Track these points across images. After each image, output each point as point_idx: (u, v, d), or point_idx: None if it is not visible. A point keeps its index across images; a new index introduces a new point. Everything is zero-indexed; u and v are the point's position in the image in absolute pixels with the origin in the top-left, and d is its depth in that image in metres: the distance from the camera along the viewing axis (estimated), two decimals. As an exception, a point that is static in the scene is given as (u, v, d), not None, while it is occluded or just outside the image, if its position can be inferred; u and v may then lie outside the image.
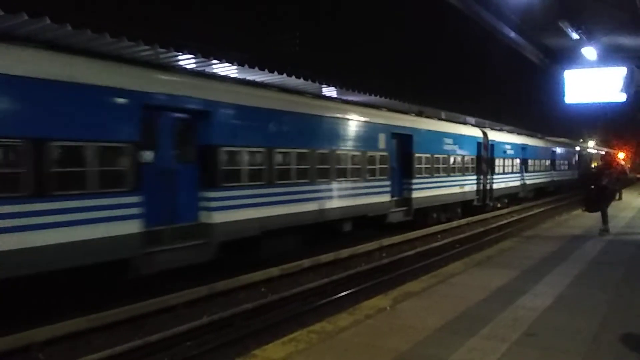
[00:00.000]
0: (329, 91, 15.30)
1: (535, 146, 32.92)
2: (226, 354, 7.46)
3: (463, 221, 21.43)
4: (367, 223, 15.86)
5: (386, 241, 15.97)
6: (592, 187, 13.67)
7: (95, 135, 8.70)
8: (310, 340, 5.78)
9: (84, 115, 8.61)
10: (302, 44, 14.48)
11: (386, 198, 16.72)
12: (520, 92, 28.82)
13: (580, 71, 20.53)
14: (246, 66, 11.65)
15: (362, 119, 15.71)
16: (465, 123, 23.62)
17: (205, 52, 10.75)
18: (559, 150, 38.60)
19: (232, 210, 11.11)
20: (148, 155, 9.76)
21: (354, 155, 15.08)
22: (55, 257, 8.06)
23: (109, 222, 8.80)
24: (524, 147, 29.99)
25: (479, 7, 17.37)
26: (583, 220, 16.72)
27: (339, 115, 14.79)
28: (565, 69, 20.96)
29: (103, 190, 8.76)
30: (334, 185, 14.24)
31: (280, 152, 12.48)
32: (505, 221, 22.69)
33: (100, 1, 9.62)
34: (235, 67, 11.61)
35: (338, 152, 14.46)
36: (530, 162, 31.10)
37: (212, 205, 10.71)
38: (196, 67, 11.40)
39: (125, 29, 9.35)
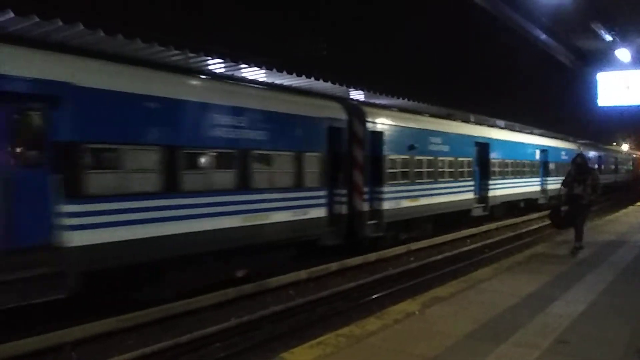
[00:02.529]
0: (357, 94, 15.30)
1: (604, 155, 44.08)
2: (254, 356, 7.51)
3: (492, 225, 21.19)
4: (531, 204, 26.65)
5: (414, 245, 15.86)
6: (561, 196, 11.67)
7: (469, 155, 20.07)
8: (339, 344, 5.77)
9: (465, 147, 19.83)
10: (330, 48, 14.53)
11: (538, 189, 27.79)
12: (551, 94, 28.42)
13: (613, 73, 20.09)
14: (274, 70, 11.78)
15: (533, 142, 27.73)
16: (565, 139, 34.22)
17: (233, 56, 10.90)
18: (618, 157, 50.60)
19: (495, 190, 22.10)
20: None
21: (528, 162, 26.31)
22: (458, 205, 19.20)
23: (469, 192, 20.06)
24: (600, 156, 41.27)
25: (509, 9, 17.17)
26: (616, 226, 16.35)
27: (528, 142, 27.09)
28: (598, 71, 20.54)
29: (467, 178, 19.87)
30: (523, 179, 25.38)
31: (513, 162, 24.18)
32: (535, 226, 22.31)
33: (131, 7, 9.81)
34: (263, 71, 11.72)
35: (524, 161, 25.72)
36: (603, 167, 41.29)
37: (487, 187, 21.58)
38: (225, 71, 11.53)
39: (157, 34, 9.54)
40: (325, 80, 13.16)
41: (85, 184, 8.16)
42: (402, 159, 15.77)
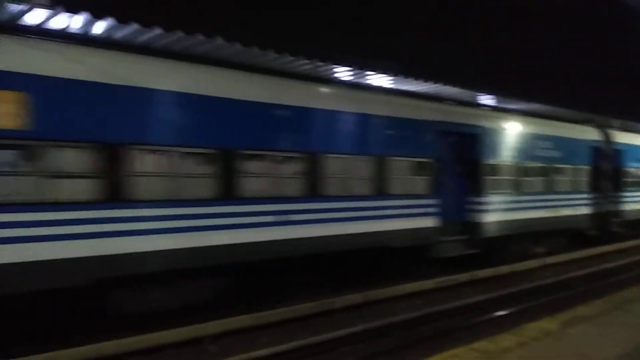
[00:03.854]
0: (486, 99, 14.73)
1: None
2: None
3: (640, 241, 19.32)
4: None
5: (550, 259, 14.87)
6: None
7: None
8: (472, 359, 5.58)
9: None
10: (457, 53, 14.17)
11: None
12: None
13: None
14: (401, 76, 11.74)
15: None
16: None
17: (361, 63, 11.02)
18: None
19: None
20: None
21: None
22: None
23: None
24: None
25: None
26: None
27: None
28: None
29: None
30: None
31: None
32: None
33: (265, 20, 10.34)
34: (390, 77, 11.72)
35: None
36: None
37: None
38: (352, 78, 11.68)
39: (288, 45, 9.96)
40: (454, 86, 12.88)
41: (482, 185, 13.30)
42: (632, 170, 19.52)
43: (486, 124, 13.82)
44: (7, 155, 6.85)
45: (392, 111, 11.60)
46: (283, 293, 9.96)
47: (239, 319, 8.61)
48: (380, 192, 11.00)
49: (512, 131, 14.61)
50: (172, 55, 8.99)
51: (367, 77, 11.59)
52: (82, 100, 7.46)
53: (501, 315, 9.79)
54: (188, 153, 8.36)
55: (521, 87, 14.92)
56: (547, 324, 6.99)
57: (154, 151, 8.06)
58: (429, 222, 11.98)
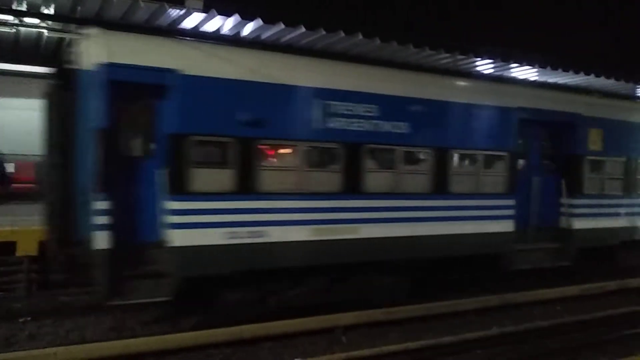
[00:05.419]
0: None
1: None
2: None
3: None
4: None
5: None
6: None
7: None
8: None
9: None
10: (614, 41, 12.96)
11: None
12: None
13: None
14: (548, 68, 11.06)
15: None
16: None
17: (504, 56, 10.55)
18: None
19: None
20: None
21: None
22: None
23: None
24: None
25: None
26: None
27: None
28: None
29: None
30: None
31: None
32: None
33: (402, 15, 10.25)
34: (536, 69, 11.09)
35: None
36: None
37: None
38: (494, 71, 11.22)
39: (427, 39, 9.82)
40: (608, 77, 11.87)
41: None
42: None
43: None
44: (595, 165, 11.77)
45: None
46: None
47: (370, 313, 8.71)
48: None
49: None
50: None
51: (512, 70, 11.10)
52: None
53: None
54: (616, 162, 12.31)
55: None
56: None
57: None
58: None
